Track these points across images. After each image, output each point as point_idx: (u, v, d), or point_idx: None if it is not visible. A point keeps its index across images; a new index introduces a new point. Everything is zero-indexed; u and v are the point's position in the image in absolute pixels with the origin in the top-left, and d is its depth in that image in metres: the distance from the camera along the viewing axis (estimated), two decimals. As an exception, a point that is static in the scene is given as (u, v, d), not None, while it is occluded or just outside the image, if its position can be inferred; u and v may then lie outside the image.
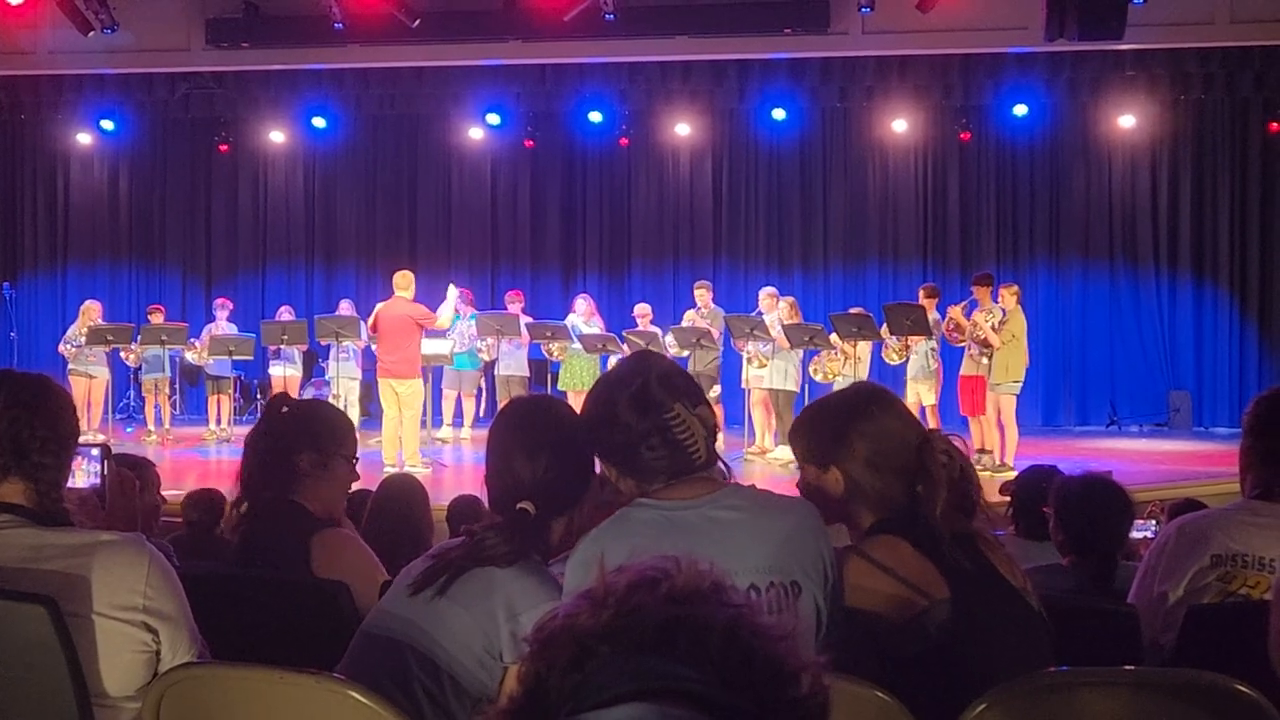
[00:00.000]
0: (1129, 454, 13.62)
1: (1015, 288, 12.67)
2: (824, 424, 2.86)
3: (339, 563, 3.41)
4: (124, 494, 2.95)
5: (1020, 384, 12.25)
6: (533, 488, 2.73)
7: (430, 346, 13.51)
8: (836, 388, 12.42)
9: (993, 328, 12.22)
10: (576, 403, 13.75)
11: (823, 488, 2.80)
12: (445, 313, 13.21)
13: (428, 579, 2.65)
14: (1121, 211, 16.74)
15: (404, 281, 12.70)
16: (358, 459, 3.66)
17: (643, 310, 14.87)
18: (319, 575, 3.39)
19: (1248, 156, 16.31)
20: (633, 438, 2.55)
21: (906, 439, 2.78)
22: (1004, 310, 12.31)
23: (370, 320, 12.84)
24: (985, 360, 12.31)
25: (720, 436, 2.73)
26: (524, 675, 1.25)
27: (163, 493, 5.28)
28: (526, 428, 2.86)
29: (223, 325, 15.49)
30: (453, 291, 13.38)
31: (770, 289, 14.44)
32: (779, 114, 16.11)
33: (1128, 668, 2.69)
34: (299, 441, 3.49)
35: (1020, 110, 15.68)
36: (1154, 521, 5.99)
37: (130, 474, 3.03)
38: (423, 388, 13.04)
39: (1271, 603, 2.60)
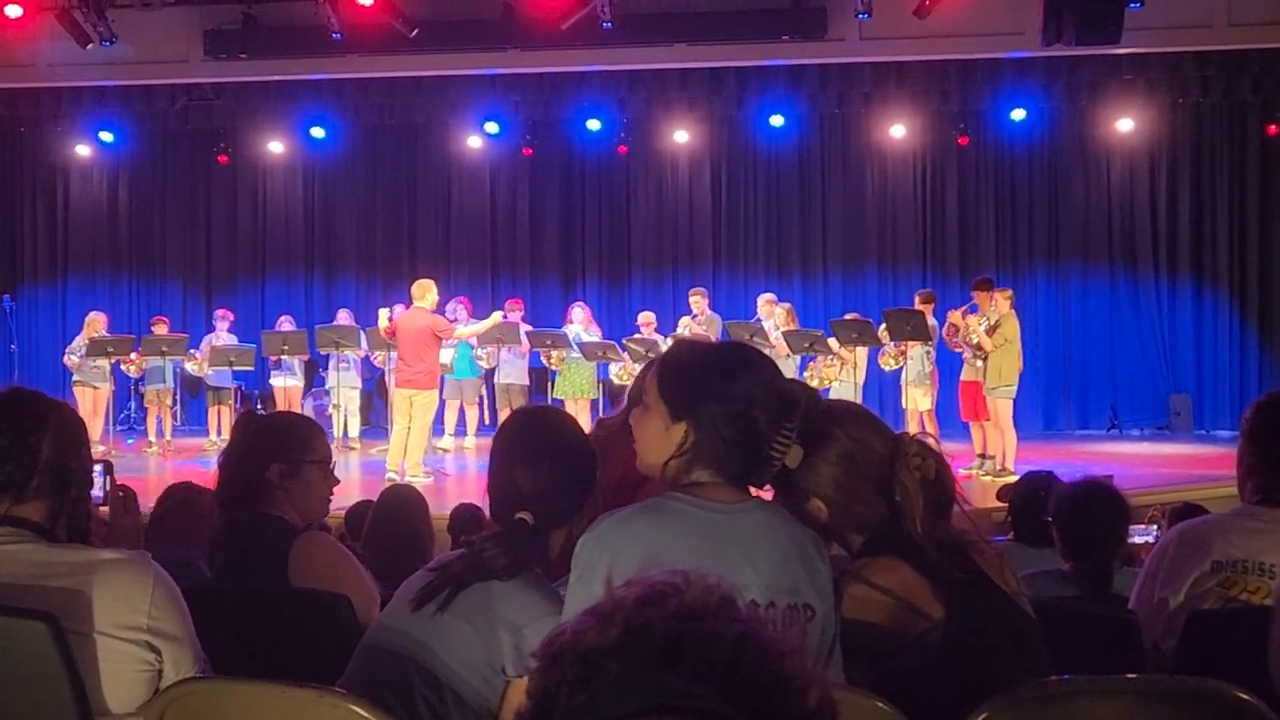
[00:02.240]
0: (1130, 458, 13.61)
1: (1009, 292, 12.69)
2: None
3: (316, 566, 3.41)
4: (126, 510, 2.96)
5: (1014, 388, 12.23)
6: (532, 498, 2.72)
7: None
8: (833, 393, 12.51)
9: (985, 331, 12.23)
10: (574, 410, 13.65)
11: (809, 515, 2.73)
12: (469, 330, 13.39)
13: (430, 593, 2.64)
14: (1120, 215, 16.74)
15: (420, 291, 12.64)
16: (333, 463, 3.66)
17: (646, 319, 14.88)
18: (296, 583, 3.39)
19: (1246, 159, 16.32)
20: (746, 425, 2.47)
21: (875, 451, 2.72)
22: (998, 314, 12.32)
23: (387, 327, 12.85)
24: (980, 364, 12.32)
25: None
26: (532, 691, 1.26)
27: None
28: (528, 438, 2.86)
29: (223, 336, 15.51)
30: (497, 316, 13.85)
31: (769, 295, 14.45)
32: (777, 120, 16.11)
33: (1129, 675, 2.69)
34: (267, 454, 3.49)
35: (1018, 115, 15.67)
36: (1155, 526, 5.99)
37: (131, 490, 3.04)
38: (437, 398, 13.06)
39: (1273, 609, 2.60)
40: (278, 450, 3.50)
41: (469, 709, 2.58)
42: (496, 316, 13.98)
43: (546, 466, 2.77)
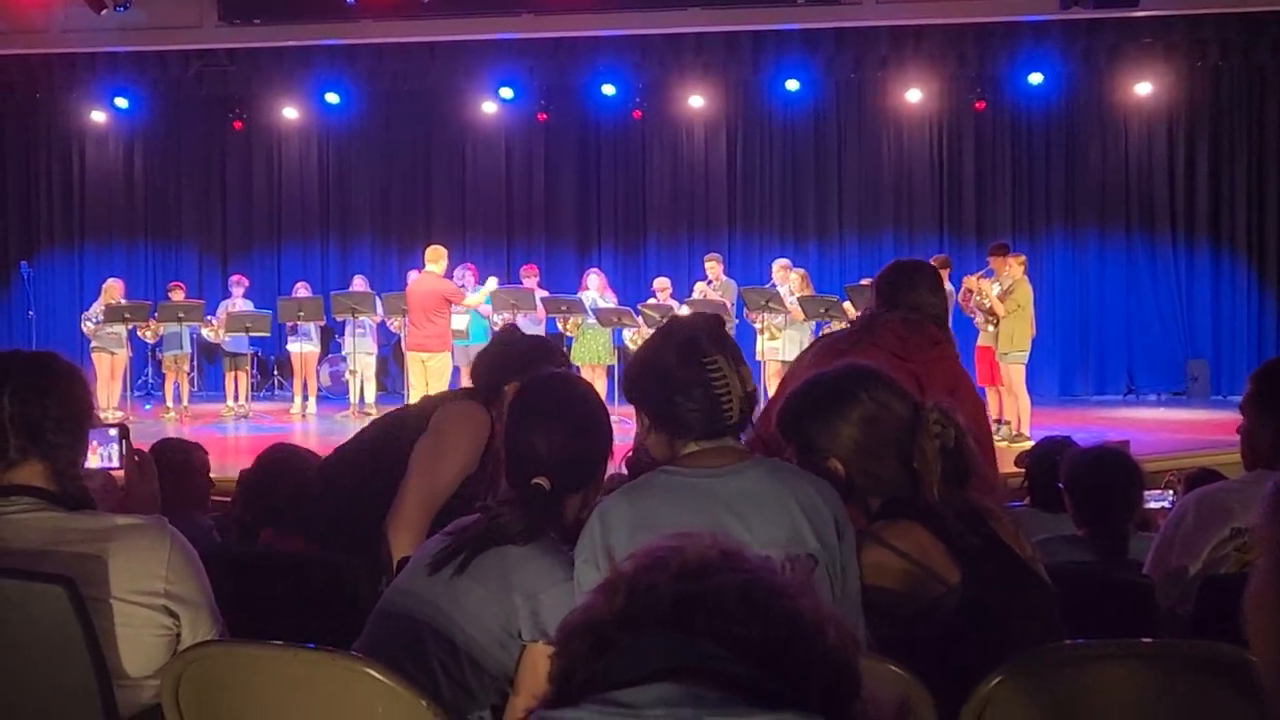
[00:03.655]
0: (1147, 423, 13.56)
1: (1022, 257, 12.65)
2: (810, 416, 2.80)
3: (446, 412, 3.74)
4: (143, 475, 2.95)
5: (1027, 353, 12.22)
6: (548, 463, 2.73)
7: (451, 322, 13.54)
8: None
9: (998, 296, 12.20)
10: (590, 377, 13.67)
11: (828, 475, 2.77)
12: (475, 299, 13.35)
13: (446, 557, 2.66)
14: (1138, 179, 16.65)
15: (434, 256, 12.80)
16: None
17: (662, 284, 14.86)
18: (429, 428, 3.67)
19: (1264, 122, 16.19)
20: (672, 385, 2.56)
21: (898, 415, 2.75)
22: (1011, 279, 12.28)
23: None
24: (991, 329, 12.31)
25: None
26: (552, 674, 1.27)
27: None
28: (545, 402, 2.87)
29: (239, 302, 15.55)
30: (493, 283, 13.73)
31: (784, 260, 14.42)
32: (793, 85, 16.02)
33: (1143, 640, 2.69)
34: (513, 368, 3.77)
35: (1035, 79, 15.55)
36: (1171, 491, 5.97)
37: (148, 455, 3.03)
38: (451, 361, 13.10)
39: (1254, 563, 2.59)
40: (521, 368, 3.70)
41: (485, 673, 2.59)
42: (492, 283, 13.93)
43: (562, 431, 2.78)
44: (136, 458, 2.96)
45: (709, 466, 2.54)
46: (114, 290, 14.91)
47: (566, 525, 2.77)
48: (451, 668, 2.57)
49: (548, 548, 2.67)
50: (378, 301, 14.65)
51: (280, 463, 4.19)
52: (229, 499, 5.59)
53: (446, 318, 12.74)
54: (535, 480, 2.71)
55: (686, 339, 2.60)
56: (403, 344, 14.40)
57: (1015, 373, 12.16)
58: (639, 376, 2.67)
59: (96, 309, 14.80)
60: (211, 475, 5.19)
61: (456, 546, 2.67)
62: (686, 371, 2.56)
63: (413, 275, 14.74)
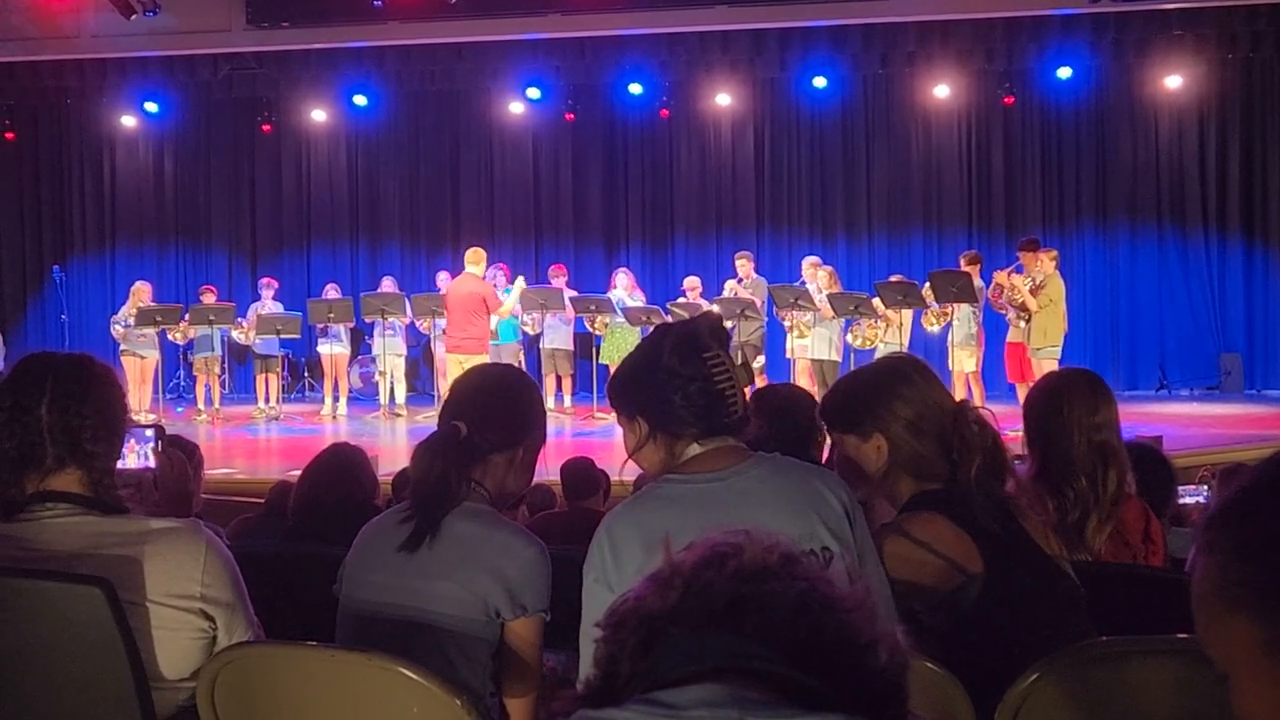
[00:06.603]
0: (1180, 418, 13.46)
1: (1054, 252, 12.61)
2: (865, 392, 2.89)
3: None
4: (176, 476, 2.96)
5: (1059, 349, 12.18)
6: (471, 411, 2.81)
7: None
8: (879, 354, 12.50)
9: (1030, 291, 12.16)
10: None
11: (860, 460, 2.83)
12: (509, 305, 13.37)
13: (414, 540, 2.69)
14: (1169, 173, 16.53)
15: (474, 258, 12.78)
16: None
17: (692, 283, 14.85)
18: None
19: (1297, 114, 16.08)
20: (671, 383, 2.49)
21: (944, 405, 2.85)
22: (1043, 274, 12.24)
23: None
24: (1023, 325, 12.27)
25: None
26: (598, 659, 1.27)
27: (208, 471, 5.22)
28: (469, 387, 2.96)
29: (269, 304, 15.61)
30: (520, 284, 13.69)
31: (813, 258, 14.39)
32: (820, 82, 15.99)
33: (1180, 636, 2.67)
34: None
35: (1064, 73, 15.50)
36: (1205, 487, 5.94)
37: (181, 456, 3.04)
38: None
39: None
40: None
41: (485, 645, 2.66)
42: (520, 284, 13.89)
43: (483, 400, 2.86)
44: (170, 459, 2.97)
45: (711, 470, 2.49)
46: (142, 293, 14.98)
47: (490, 490, 2.81)
48: (458, 657, 2.62)
49: (492, 521, 2.72)
50: (407, 303, 14.69)
51: (342, 465, 4.20)
52: (262, 500, 5.62)
53: (485, 320, 12.73)
54: (454, 422, 2.77)
55: (686, 334, 2.55)
56: (433, 345, 14.45)
57: (1047, 368, 12.09)
58: (632, 380, 2.59)
59: (125, 312, 14.87)
60: (242, 478, 5.21)
61: (417, 527, 2.69)
62: (687, 367, 2.50)
63: (442, 276, 14.83)
